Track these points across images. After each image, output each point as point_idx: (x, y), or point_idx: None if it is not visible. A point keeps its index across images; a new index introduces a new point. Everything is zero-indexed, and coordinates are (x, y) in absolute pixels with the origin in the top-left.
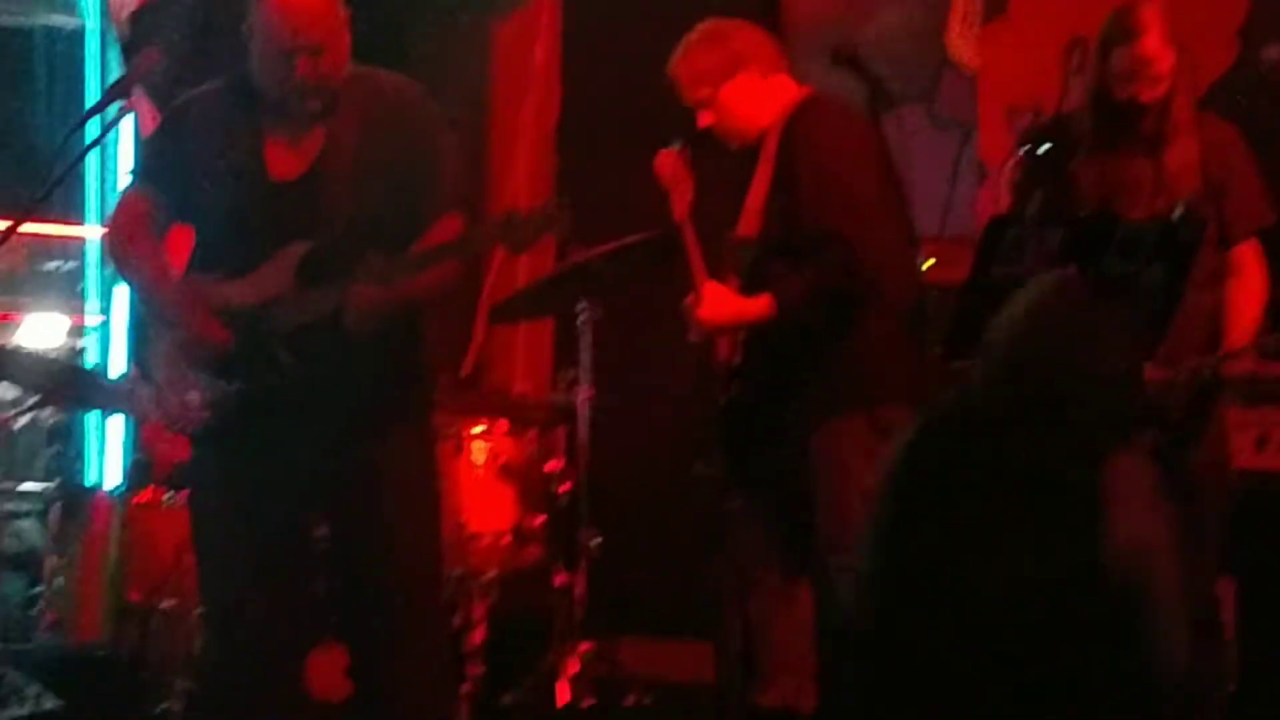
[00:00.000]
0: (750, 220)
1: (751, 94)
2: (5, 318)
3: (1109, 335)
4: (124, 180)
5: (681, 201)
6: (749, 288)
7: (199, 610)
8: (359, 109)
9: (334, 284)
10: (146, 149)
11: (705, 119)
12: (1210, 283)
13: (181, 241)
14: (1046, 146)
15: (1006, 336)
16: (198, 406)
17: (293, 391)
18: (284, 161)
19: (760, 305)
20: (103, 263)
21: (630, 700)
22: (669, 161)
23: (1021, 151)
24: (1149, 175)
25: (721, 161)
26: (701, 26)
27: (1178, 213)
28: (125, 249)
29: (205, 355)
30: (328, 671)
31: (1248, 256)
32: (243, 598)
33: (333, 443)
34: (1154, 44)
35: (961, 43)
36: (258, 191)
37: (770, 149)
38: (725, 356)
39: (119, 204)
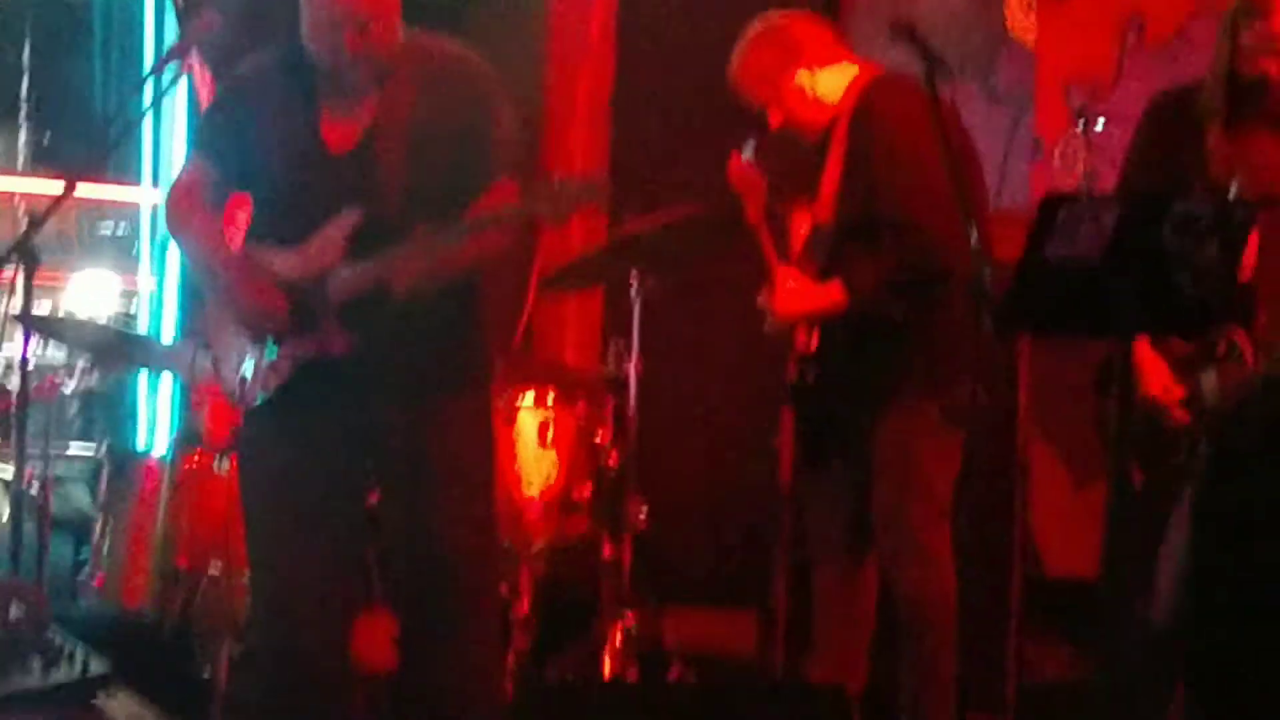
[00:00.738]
0: (825, 207)
1: (814, 85)
2: (57, 279)
3: None
4: (179, 143)
5: (755, 205)
6: (825, 272)
7: (246, 576)
8: (413, 77)
9: (385, 255)
10: (204, 121)
11: (775, 119)
12: None
13: (238, 212)
14: (1099, 124)
15: None
16: (251, 378)
17: (344, 361)
18: (339, 132)
19: (833, 295)
20: (156, 227)
21: (674, 673)
22: (738, 166)
23: (1079, 128)
24: (1276, 152)
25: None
26: (753, 25)
27: (1234, 192)
28: (182, 220)
29: (260, 325)
30: (375, 639)
31: None
32: (290, 563)
33: (384, 411)
34: None
35: (1019, 18)
36: (313, 163)
37: (840, 132)
38: (801, 343)
39: (177, 176)
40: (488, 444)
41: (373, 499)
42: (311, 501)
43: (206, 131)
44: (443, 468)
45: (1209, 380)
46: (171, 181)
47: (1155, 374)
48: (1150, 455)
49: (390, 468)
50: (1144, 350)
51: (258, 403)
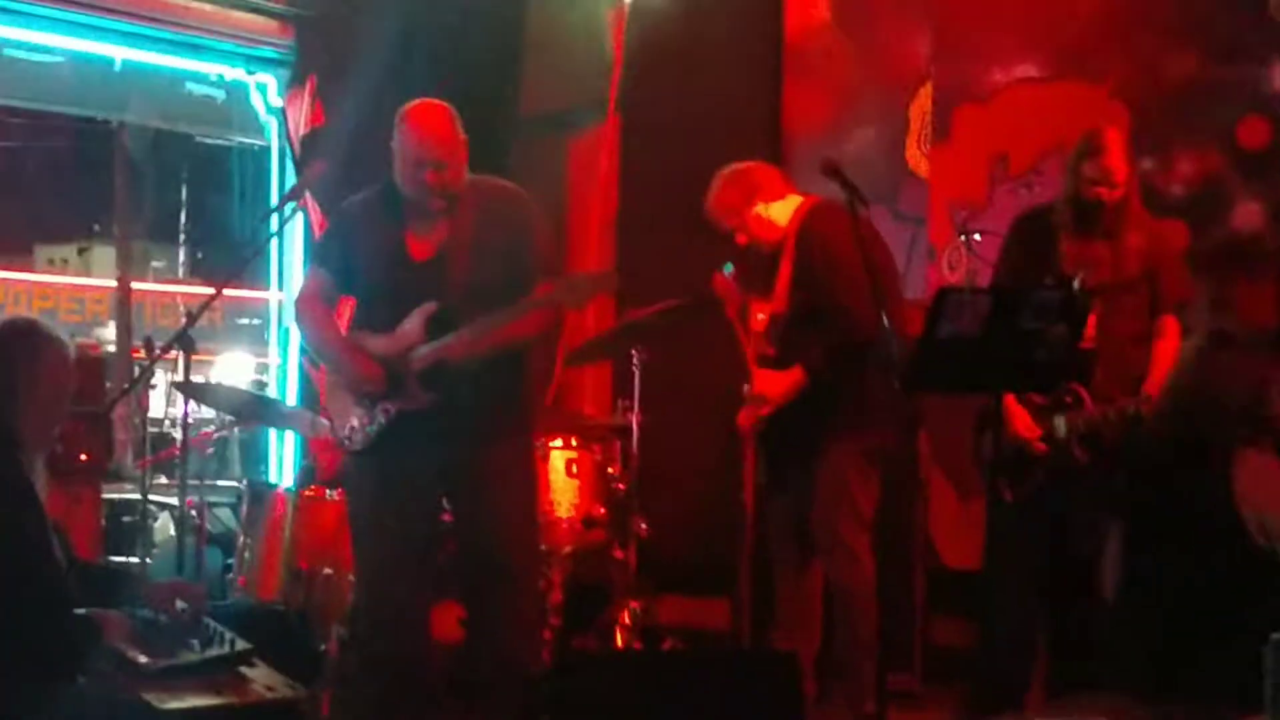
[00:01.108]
0: (780, 300)
1: (769, 214)
2: (208, 358)
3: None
4: (298, 258)
5: (732, 307)
6: (781, 350)
7: (351, 575)
8: (475, 206)
9: (450, 334)
10: (321, 242)
11: (741, 239)
12: (1146, 340)
13: (345, 309)
14: (976, 235)
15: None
16: (358, 427)
17: (424, 414)
18: (420, 246)
19: (796, 377)
20: (281, 319)
21: (667, 644)
22: (721, 282)
23: (960, 238)
24: (1108, 255)
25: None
26: (723, 171)
27: (1076, 286)
28: (306, 315)
29: (362, 389)
30: (447, 621)
31: (1170, 325)
32: (384, 564)
33: (454, 452)
34: (1114, 159)
35: (917, 156)
36: (400, 269)
37: (789, 246)
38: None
39: (302, 283)
40: (532, 476)
41: (445, 518)
42: (400, 519)
43: (323, 249)
44: (499, 494)
45: (1060, 423)
46: (297, 287)
47: (1020, 419)
48: (1016, 477)
49: (459, 494)
50: (1011, 401)
51: (361, 446)
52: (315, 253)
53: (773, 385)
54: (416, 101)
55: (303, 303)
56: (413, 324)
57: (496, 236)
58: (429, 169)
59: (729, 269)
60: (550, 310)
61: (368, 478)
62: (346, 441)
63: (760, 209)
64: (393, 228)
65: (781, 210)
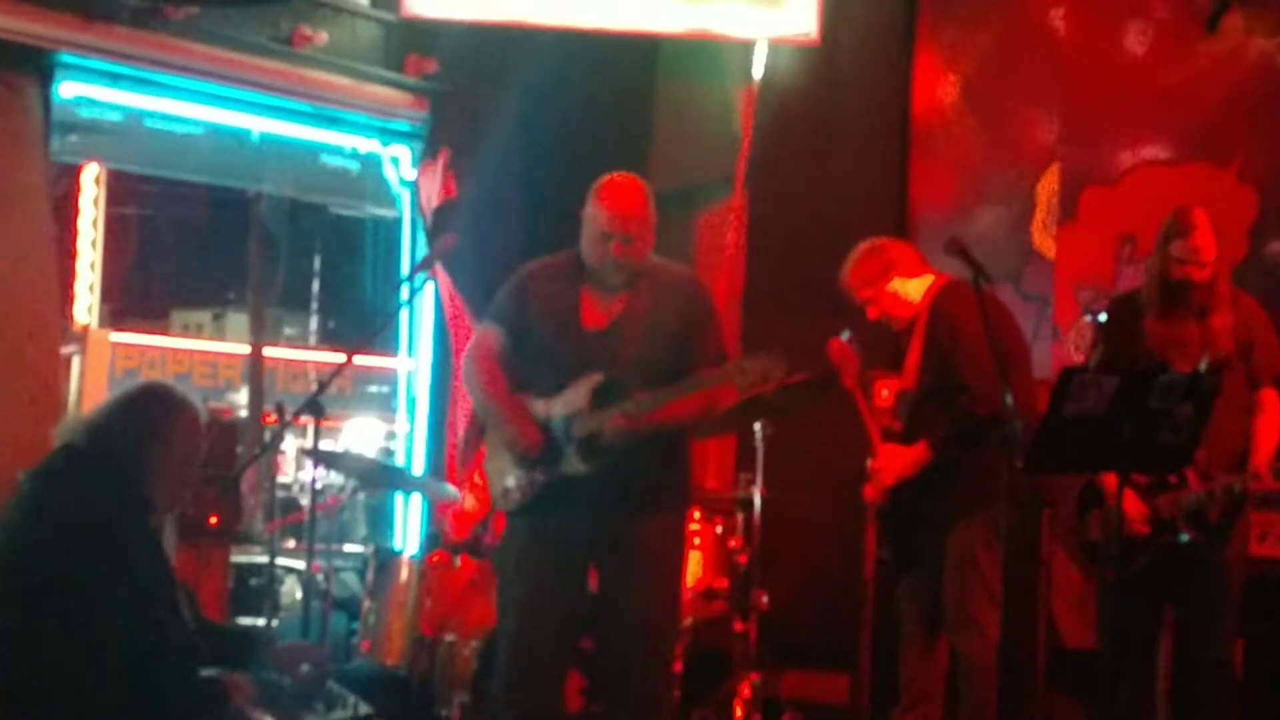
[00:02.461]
0: (909, 375)
1: (905, 290)
2: (337, 424)
3: None
4: (428, 327)
5: (849, 375)
6: (909, 426)
7: (474, 643)
8: (654, 285)
9: (616, 407)
10: (497, 299)
11: (873, 313)
12: (1243, 415)
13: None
14: (1103, 316)
15: None
16: (513, 488)
17: (580, 482)
18: (594, 315)
19: (920, 452)
20: (409, 386)
21: (787, 717)
22: (838, 346)
23: (1087, 318)
24: (1196, 335)
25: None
26: (861, 246)
27: (1202, 368)
28: (474, 370)
29: (522, 452)
30: (569, 690)
31: (1270, 398)
32: (527, 624)
33: (607, 521)
34: (1203, 238)
35: (1042, 237)
36: (572, 335)
37: (921, 324)
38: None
39: (475, 338)
40: (681, 553)
41: (591, 585)
42: (547, 583)
43: (500, 305)
44: (648, 570)
45: (1164, 502)
46: (427, 356)
47: (1128, 500)
48: (1121, 558)
49: (608, 565)
50: (1113, 480)
51: (515, 508)
52: (490, 310)
53: (896, 459)
54: (611, 175)
55: (472, 358)
56: (577, 391)
57: (671, 317)
58: (616, 241)
59: (846, 335)
60: (715, 394)
61: (519, 539)
62: (501, 501)
63: (896, 284)
64: (571, 294)
65: (917, 287)
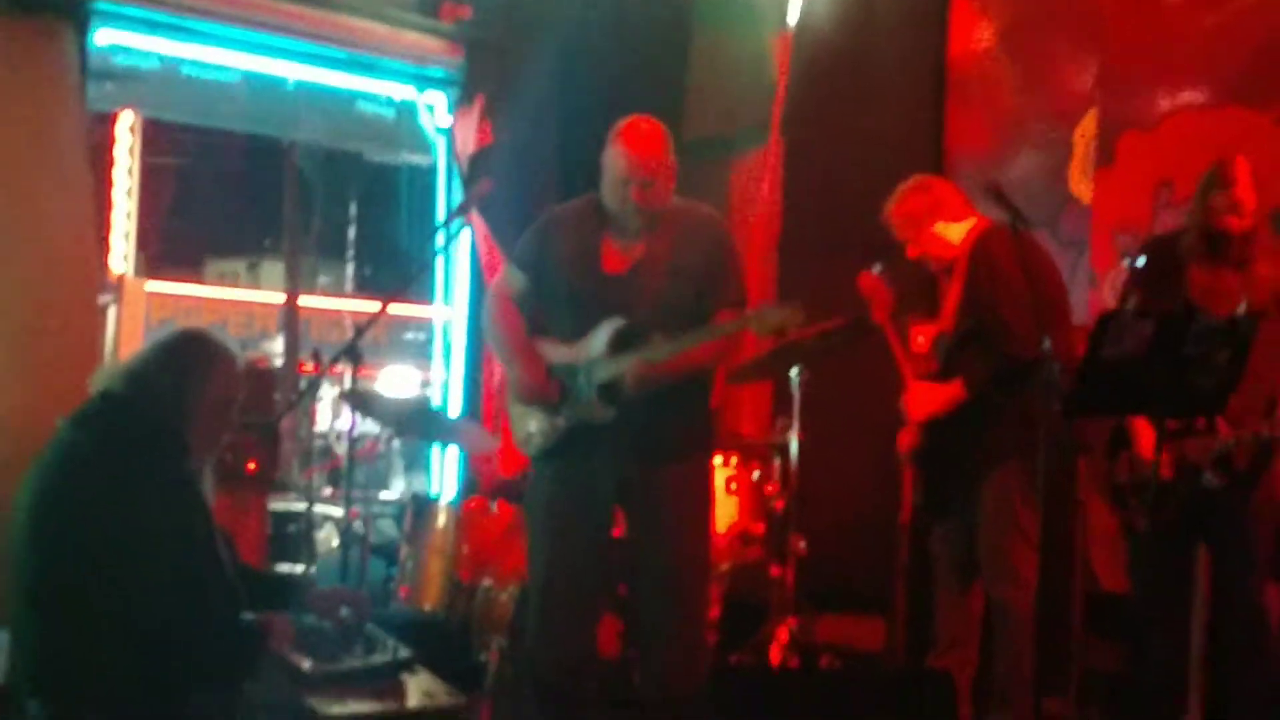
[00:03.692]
0: (947, 319)
1: (947, 233)
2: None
3: None
4: (464, 274)
5: (880, 309)
6: (945, 368)
7: (511, 588)
8: (674, 228)
9: (635, 351)
10: (522, 241)
11: (912, 252)
12: (1274, 366)
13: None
14: (1140, 261)
15: None
16: (535, 432)
17: (602, 427)
18: (614, 260)
19: (955, 390)
20: (446, 334)
21: (824, 662)
22: (869, 280)
23: (1124, 263)
24: (1236, 284)
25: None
26: (908, 182)
27: (1240, 313)
28: (493, 311)
29: (532, 399)
30: (605, 636)
31: None
32: (556, 570)
33: (633, 468)
34: (1244, 190)
35: (1079, 183)
36: (592, 280)
37: (961, 268)
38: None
39: (496, 279)
40: (707, 497)
41: (617, 532)
42: (574, 529)
43: (521, 249)
44: (675, 513)
45: (1191, 447)
46: (463, 303)
47: (1147, 442)
48: (1152, 504)
49: (635, 510)
50: (1141, 424)
51: (537, 452)
52: (513, 254)
53: (929, 396)
54: (630, 118)
55: (493, 298)
56: (597, 337)
57: (691, 260)
58: (635, 185)
59: (878, 268)
60: (734, 340)
61: (545, 483)
62: (524, 446)
63: (940, 227)
64: (591, 238)
65: (959, 231)
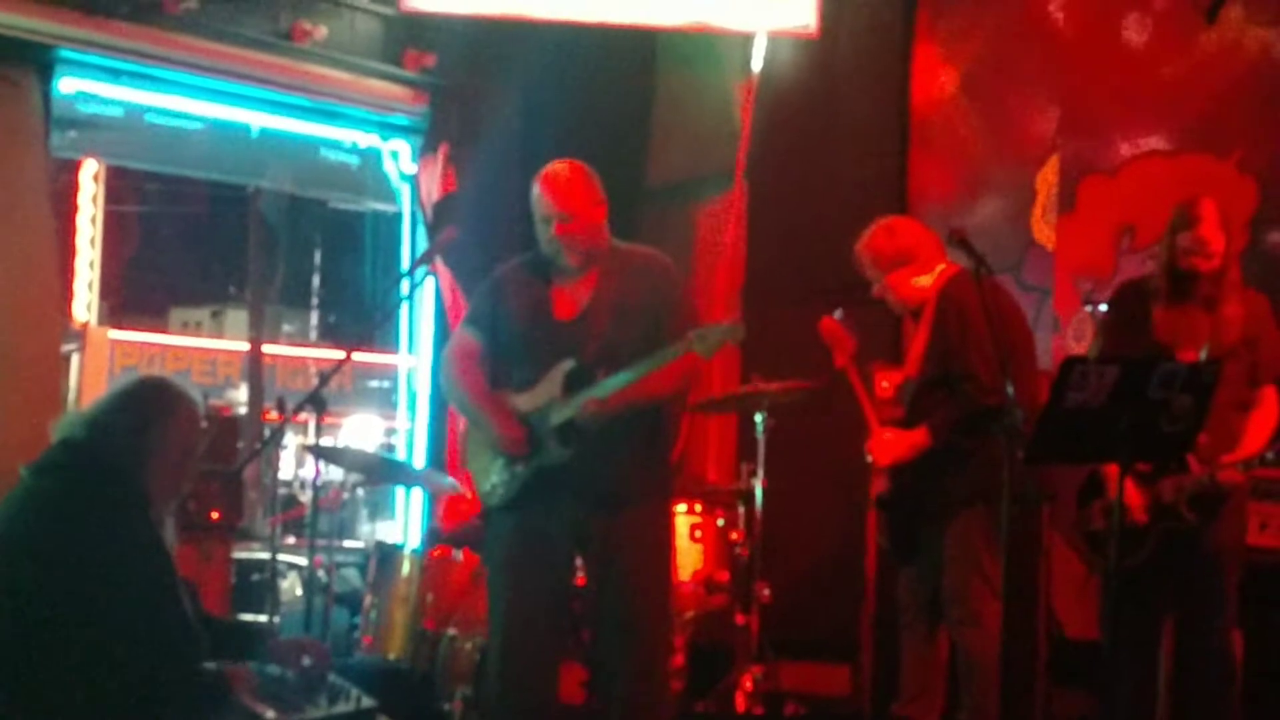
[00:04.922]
0: (913, 364)
1: (913, 279)
2: (338, 420)
3: None
4: (428, 322)
5: (842, 354)
6: (911, 414)
7: (475, 637)
8: (620, 269)
9: (588, 391)
10: (472, 304)
11: (878, 292)
12: (1242, 409)
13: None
14: (1103, 307)
15: None
16: (498, 484)
17: (561, 476)
18: (564, 306)
19: (919, 437)
20: (410, 382)
21: (789, 709)
22: (830, 325)
23: (1087, 308)
24: (1205, 325)
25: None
26: (880, 222)
27: (1203, 358)
28: (452, 371)
29: (507, 446)
30: (568, 683)
31: (1269, 395)
32: (516, 618)
33: (591, 510)
34: (1210, 229)
35: (1042, 227)
36: (543, 327)
37: (929, 312)
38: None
39: (452, 341)
40: (667, 542)
41: (580, 581)
42: (533, 578)
43: (473, 310)
44: (634, 558)
45: (1165, 487)
46: (428, 351)
47: (1128, 489)
48: (1128, 547)
49: (594, 555)
50: (1114, 471)
51: (500, 503)
52: (466, 314)
53: (894, 443)
54: (552, 163)
55: (450, 360)
56: (550, 381)
57: (638, 299)
58: (555, 221)
59: (839, 314)
60: (684, 368)
61: (504, 533)
62: (488, 499)
63: (910, 268)
64: (541, 289)
65: (929, 273)
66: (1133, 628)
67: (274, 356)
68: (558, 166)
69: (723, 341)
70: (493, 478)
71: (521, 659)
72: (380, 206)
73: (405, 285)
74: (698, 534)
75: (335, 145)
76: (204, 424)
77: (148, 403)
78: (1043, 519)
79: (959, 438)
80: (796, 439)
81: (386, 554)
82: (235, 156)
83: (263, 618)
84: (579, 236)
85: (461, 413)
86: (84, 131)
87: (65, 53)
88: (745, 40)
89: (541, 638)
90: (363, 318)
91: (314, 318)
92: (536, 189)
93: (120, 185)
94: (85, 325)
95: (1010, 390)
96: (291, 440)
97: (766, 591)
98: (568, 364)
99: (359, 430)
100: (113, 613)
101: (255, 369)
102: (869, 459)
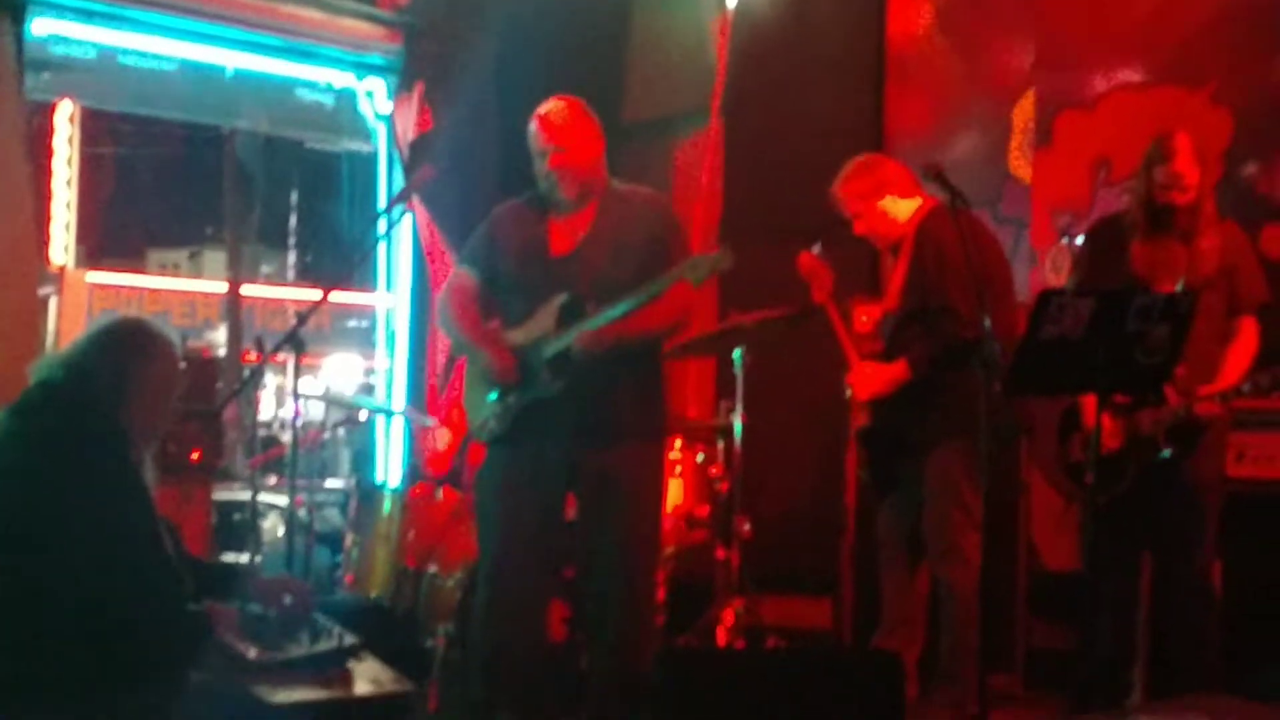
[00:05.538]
0: (892, 298)
1: (895, 210)
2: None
3: None
4: (405, 261)
5: (820, 289)
6: (890, 348)
7: (457, 574)
8: (617, 206)
9: (580, 324)
10: (470, 243)
11: (859, 228)
12: (1221, 340)
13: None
14: (1080, 240)
15: None
16: (493, 419)
17: (556, 410)
18: (560, 241)
19: (898, 370)
20: (389, 322)
21: (770, 642)
22: (808, 260)
23: (1064, 241)
24: (1182, 258)
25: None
26: (856, 159)
27: (1179, 289)
28: (448, 306)
29: (501, 378)
30: (553, 620)
31: (1247, 326)
32: (505, 553)
33: (584, 447)
34: (1184, 163)
35: (1018, 163)
36: (538, 263)
37: (907, 247)
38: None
39: (449, 279)
40: (659, 478)
41: (569, 514)
42: (525, 512)
43: (469, 248)
44: (626, 493)
45: (1144, 419)
46: (405, 290)
47: (1104, 421)
48: (1107, 478)
49: (587, 492)
50: (1091, 402)
51: (492, 438)
52: (465, 251)
53: (873, 376)
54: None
55: (446, 296)
56: (544, 314)
57: (635, 236)
58: (550, 154)
59: (817, 248)
60: (679, 302)
61: (496, 468)
62: (480, 432)
63: (887, 203)
64: (537, 225)
65: (906, 208)
66: (1112, 559)
67: (252, 297)
68: (554, 102)
69: (712, 270)
70: (485, 412)
71: (512, 591)
72: (356, 146)
73: (382, 224)
74: (677, 470)
75: (310, 85)
76: (182, 364)
77: (124, 343)
78: (1021, 453)
79: (938, 371)
80: (775, 375)
81: (367, 492)
82: (210, 97)
83: (244, 558)
84: (572, 169)
85: (456, 348)
86: (58, 73)
87: None
88: None
89: (531, 572)
90: (340, 257)
91: (292, 258)
92: (533, 124)
93: (95, 127)
94: (63, 268)
95: (987, 323)
96: (271, 381)
97: (746, 526)
98: (562, 297)
99: (338, 370)
100: (93, 553)
101: (234, 310)
102: (848, 393)
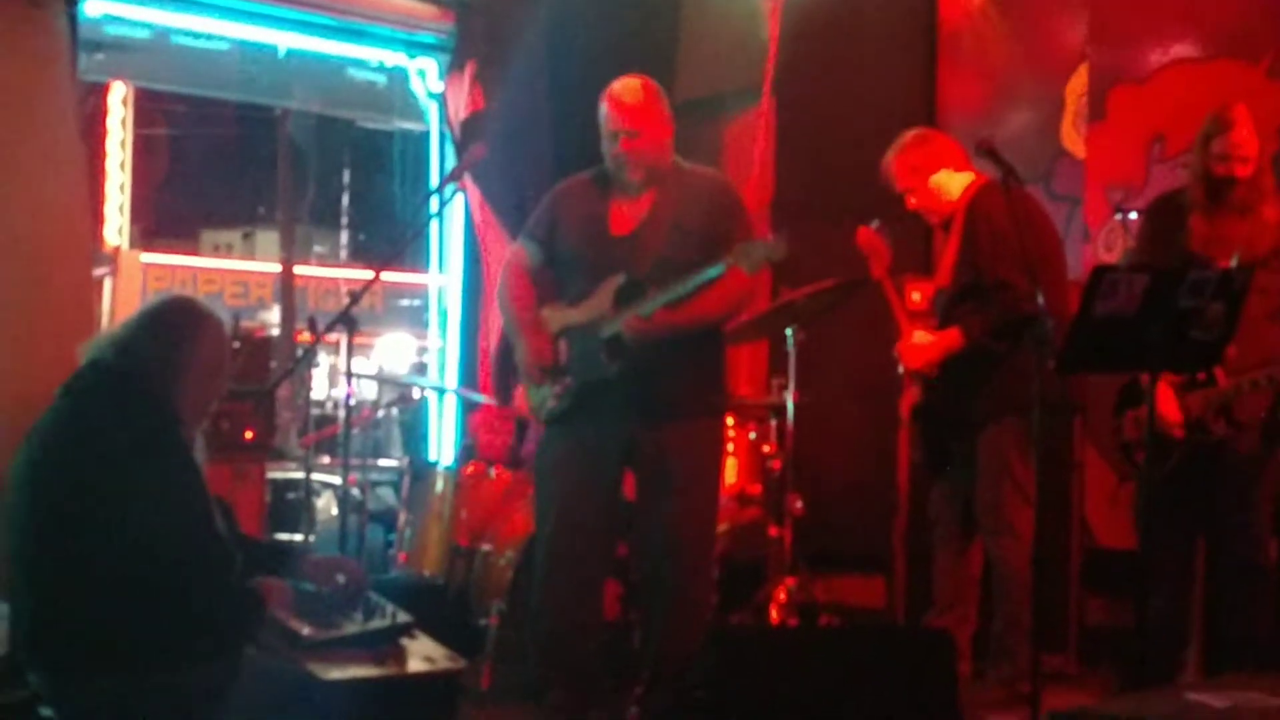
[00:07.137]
0: (944, 274)
1: (946, 185)
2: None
3: None
4: (457, 240)
5: (879, 265)
6: (944, 324)
7: (509, 553)
8: (680, 188)
9: (635, 307)
10: (533, 217)
11: (910, 203)
12: (1274, 319)
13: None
14: (1132, 215)
15: None
16: (552, 397)
17: (611, 388)
18: (621, 221)
19: (951, 339)
20: (440, 301)
21: (822, 620)
22: (867, 235)
23: (1117, 217)
24: (1241, 231)
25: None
26: (908, 133)
27: (1234, 264)
28: (504, 283)
29: (529, 370)
30: (607, 598)
31: None
32: (563, 532)
33: (638, 425)
34: (1243, 134)
35: (1072, 136)
36: (598, 241)
37: (959, 222)
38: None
39: (509, 254)
40: (717, 457)
41: (628, 493)
42: (582, 489)
43: (534, 221)
44: (683, 471)
45: (1194, 400)
46: (457, 269)
47: (1164, 399)
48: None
49: (644, 469)
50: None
51: (549, 417)
52: (526, 226)
53: (925, 345)
54: (622, 77)
55: (506, 272)
56: (601, 294)
57: (696, 218)
58: (623, 137)
59: (875, 224)
60: (735, 289)
61: (555, 447)
62: (539, 412)
63: (940, 177)
64: (599, 204)
65: (958, 184)
66: (1166, 537)
67: (305, 277)
68: (628, 80)
69: (765, 258)
70: (544, 391)
71: (569, 568)
72: (408, 125)
73: (434, 203)
74: (730, 447)
75: (362, 64)
76: (233, 343)
77: (174, 322)
78: (1074, 430)
79: (990, 346)
80: (827, 352)
81: (420, 471)
82: (263, 77)
83: (298, 537)
84: (644, 153)
85: (506, 327)
86: (111, 54)
87: None
88: None
89: (588, 550)
90: (392, 237)
91: (344, 238)
92: (604, 103)
93: (148, 108)
94: (117, 249)
95: (1040, 300)
96: (324, 360)
97: (799, 504)
98: (619, 278)
99: (391, 349)
100: (146, 531)
101: (287, 290)
102: (898, 362)
